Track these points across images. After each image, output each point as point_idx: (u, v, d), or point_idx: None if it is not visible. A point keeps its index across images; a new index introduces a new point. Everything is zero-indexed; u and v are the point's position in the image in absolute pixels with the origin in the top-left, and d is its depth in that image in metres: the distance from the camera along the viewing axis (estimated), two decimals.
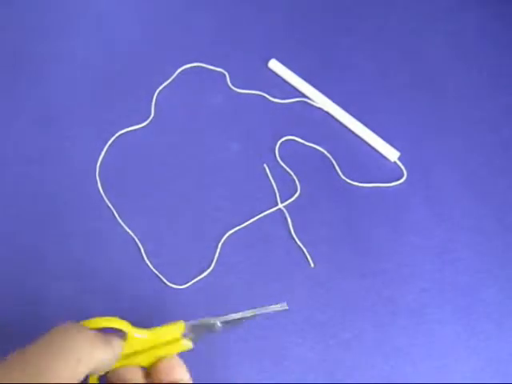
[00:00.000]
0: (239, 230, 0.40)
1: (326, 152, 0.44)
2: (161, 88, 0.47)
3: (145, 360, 0.29)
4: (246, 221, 0.41)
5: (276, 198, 0.42)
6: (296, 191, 0.42)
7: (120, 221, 0.40)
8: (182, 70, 0.48)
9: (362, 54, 0.51)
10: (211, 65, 0.49)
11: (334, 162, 0.44)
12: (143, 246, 0.39)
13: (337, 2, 0.54)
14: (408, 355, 0.37)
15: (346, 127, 0.46)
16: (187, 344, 0.29)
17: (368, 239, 0.41)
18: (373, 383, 0.36)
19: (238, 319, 0.29)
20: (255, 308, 0.29)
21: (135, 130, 0.44)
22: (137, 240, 0.40)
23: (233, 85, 0.48)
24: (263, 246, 0.40)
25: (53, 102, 0.46)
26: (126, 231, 0.40)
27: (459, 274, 0.40)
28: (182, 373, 0.28)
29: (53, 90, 0.46)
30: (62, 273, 0.38)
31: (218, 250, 0.39)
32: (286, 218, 0.41)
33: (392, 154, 0.44)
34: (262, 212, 0.41)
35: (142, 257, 0.39)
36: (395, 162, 0.44)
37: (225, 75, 0.48)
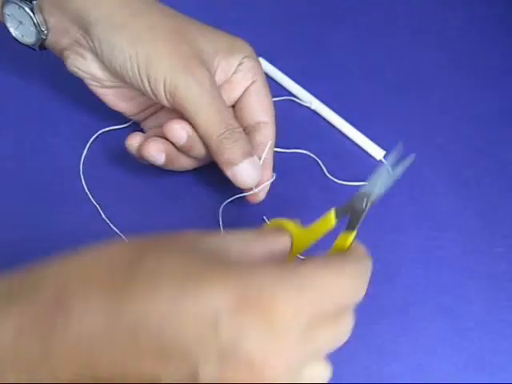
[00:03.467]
0: None
1: (310, 151, 0.44)
2: None
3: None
4: None
5: None
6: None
7: (105, 218, 0.40)
8: None
9: (349, 53, 0.51)
10: None
11: (319, 161, 0.44)
12: None
13: (323, 0, 0.54)
14: (392, 353, 0.37)
15: (332, 125, 0.46)
16: (348, 235, 0.27)
17: None
18: (357, 382, 0.36)
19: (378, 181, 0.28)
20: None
21: (118, 129, 0.44)
22: (123, 237, 0.39)
23: None
24: None
25: (37, 98, 0.46)
26: (112, 228, 0.40)
27: (443, 272, 0.40)
28: None
29: (37, 86, 0.46)
30: None
31: None
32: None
33: (378, 152, 0.44)
34: None
35: None
36: (381, 161, 0.44)
37: None
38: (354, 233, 0.28)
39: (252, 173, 0.36)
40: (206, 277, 0.20)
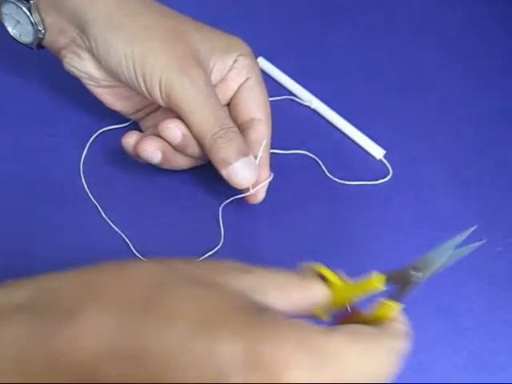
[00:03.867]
0: None
1: (310, 150, 0.44)
2: None
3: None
4: None
5: None
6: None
7: (105, 217, 0.40)
8: None
9: (349, 53, 0.51)
10: None
11: (318, 160, 0.44)
12: (131, 242, 0.39)
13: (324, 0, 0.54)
14: None
15: (332, 125, 0.46)
16: (393, 305, 0.25)
17: (353, 236, 0.41)
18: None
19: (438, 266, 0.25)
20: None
21: (117, 128, 0.44)
22: (124, 236, 0.39)
23: None
24: None
25: (37, 97, 0.46)
26: (112, 227, 0.40)
27: (443, 272, 0.40)
28: None
29: (36, 85, 0.46)
30: (47, 270, 0.38)
31: None
32: None
33: (377, 151, 0.44)
34: None
35: (132, 251, 0.39)
36: (381, 160, 0.44)
37: None
38: (399, 306, 0.26)
39: (247, 172, 0.35)
40: (225, 326, 0.20)
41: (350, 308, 0.27)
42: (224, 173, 0.35)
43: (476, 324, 0.38)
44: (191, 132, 0.36)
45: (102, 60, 0.36)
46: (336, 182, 0.43)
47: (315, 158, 0.44)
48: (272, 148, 0.41)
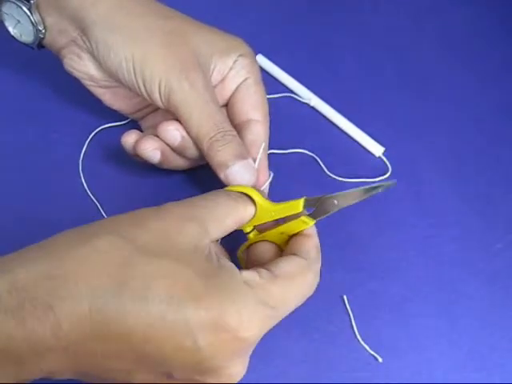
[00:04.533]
0: None
1: (309, 147, 0.44)
2: None
3: (273, 237, 0.33)
4: None
5: None
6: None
7: (104, 214, 0.40)
8: None
9: (349, 50, 0.51)
10: None
11: (317, 158, 0.44)
12: None
13: None
14: (392, 349, 0.37)
15: (331, 122, 0.46)
16: (308, 221, 0.31)
17: (352, 234, 0.41)
18: (356, 379, 0.36)
19: (352, 195, 0.30)
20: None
21: (117, 126, 0.44)
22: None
23: None
24: None
25: (36, 95, 0.45)
26: None
27: (442, 269, 0.40)
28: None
29: (36, 83, 0.46)
30: None
31: None
32: None
33: (377, 149, 0.44)
34: None
35: None
36: (380, 158, 0.44)
37: None
38: (313, 223, 0.31)
39: (245, 175, 0.35)
40: (190, 296, 0.24)
41: (272, 222, 0.32)
42: (222, 176, 0.35)
43: (476, 321, 0.38)
44: (189, 135, 0.36)
45: (102, 61, 0.36)
46: (335, 179, 0.43)
47: (314, 155, 0.44)
48: (271, 144, 0.41)
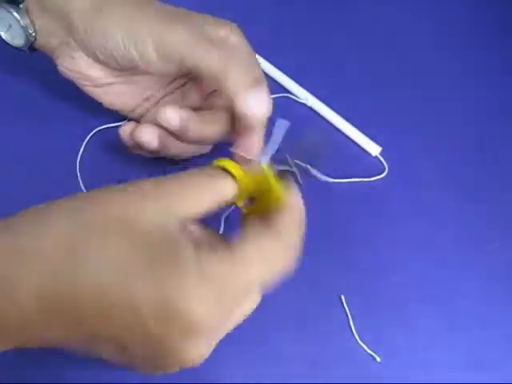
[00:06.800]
0: None
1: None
2: None
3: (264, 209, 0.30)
4: None
5: None
6: None
7: None
8: None
9: (346, 50, 0.51)
10: None
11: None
12: None
13: None
14: (390, 348, 0.37)
15: (328, 122, 0.46)
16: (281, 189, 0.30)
17: (349, 233, 0.41)
18: (355, 379, 0.36)
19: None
20: None
21: (114, 126, 0.44)
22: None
23: None
24: None
25: (33, 95, 0.45)
26: None
27: (440, 268, 0.40)
28: None
29: (33, 83, 0.46)
30: None
31: None
32: None
33: (373, 148, 0.44)
34: None
35: None
36: (377, 157, 0.45)
37: None
38: (286, 192, 0.30)
39: (264, 98, 0.35)
40: (139, 274, 0.24)
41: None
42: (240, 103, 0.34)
43: (474, 320, 0.38)
44: (200, 69, 0.34)
45: (97, 50, 0.36)
46: (332, 179, 0.43)
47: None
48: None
